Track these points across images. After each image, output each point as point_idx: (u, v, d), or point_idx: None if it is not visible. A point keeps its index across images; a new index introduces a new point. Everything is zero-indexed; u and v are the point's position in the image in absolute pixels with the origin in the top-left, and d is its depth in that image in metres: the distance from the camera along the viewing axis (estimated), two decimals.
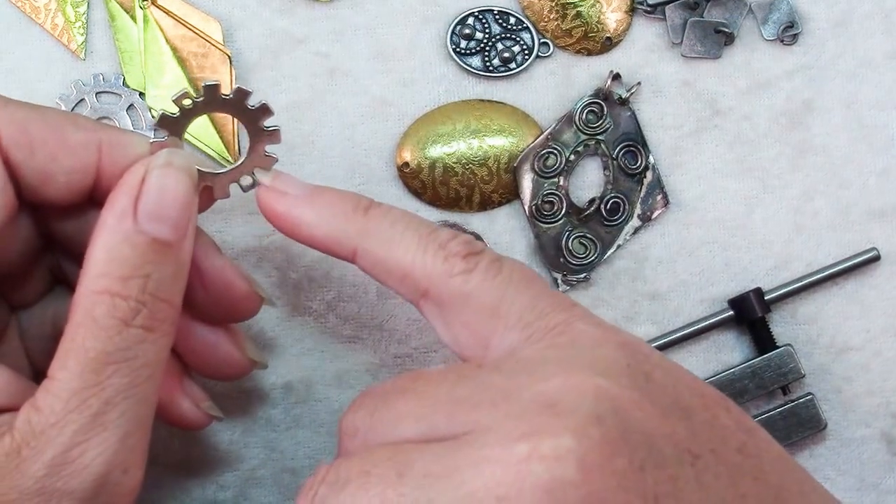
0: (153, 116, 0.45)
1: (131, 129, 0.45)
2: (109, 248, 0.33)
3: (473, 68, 0.46)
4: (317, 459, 0.45)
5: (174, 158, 0.35)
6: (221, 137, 0.45)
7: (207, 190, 0.37)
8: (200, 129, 0.45)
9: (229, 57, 0.45)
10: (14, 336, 0.39)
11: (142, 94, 0.45)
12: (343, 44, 0.46)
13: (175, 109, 0.36)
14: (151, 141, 0.36)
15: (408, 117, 0.46)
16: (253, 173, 0.38)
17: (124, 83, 0.45)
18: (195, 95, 0.36)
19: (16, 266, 0.38)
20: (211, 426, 0.41)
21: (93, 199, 0.36)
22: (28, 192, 0.35)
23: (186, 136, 0.45)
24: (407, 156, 0.46)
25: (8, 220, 0.35)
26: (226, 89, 0.37)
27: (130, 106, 0.45)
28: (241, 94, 0.36)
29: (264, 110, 0.37)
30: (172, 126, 0.36)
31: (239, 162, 0.38)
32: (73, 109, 0.45)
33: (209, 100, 0.36)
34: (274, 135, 0.38)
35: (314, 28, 0.46)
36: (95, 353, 0.32)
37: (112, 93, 0.45)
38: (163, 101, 0.45)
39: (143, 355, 0.33)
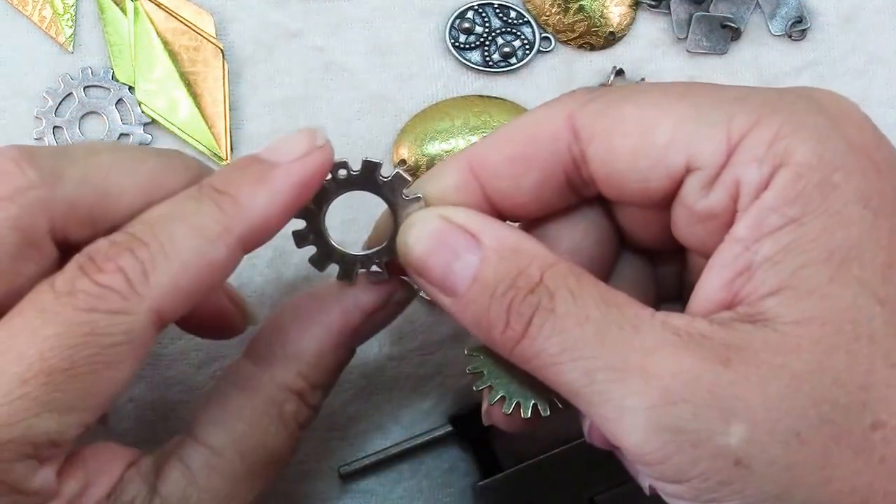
0: (142, 111, 0.44)
1: (119, 124, 0.44)
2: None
3: (473, 63, 0.45)
4: (308, 466, 0.43)
5: None
6: (212, 133, 0.44)
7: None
8: (189, 124, 0.44)
9: (222, 50, 0.44)
10: None
11: (131, 89, 0.44)
12: (339, 37, 0.45)
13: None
14: None
15: (405, 113, 0.45)
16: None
17: (113, 77, 0.44)
18: (352, 169, 0.33)
19: None
20: None
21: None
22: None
23: (176, 130, 0.44)
24: (404, 153, 0.44)
25: None
26: (352, 164, 0.33)
27: (119, 101, 0.44)
28: (400, 182, 0.33)
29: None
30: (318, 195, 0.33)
31: (372, 250, 0.34)
32: (60, 104, 0.44)
33: (364, 176, 0.33)
34: None
35: (309, 21, 0.45)
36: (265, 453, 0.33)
37: (101, 87, 0.44)
38: (153, 95, 0.44)
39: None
